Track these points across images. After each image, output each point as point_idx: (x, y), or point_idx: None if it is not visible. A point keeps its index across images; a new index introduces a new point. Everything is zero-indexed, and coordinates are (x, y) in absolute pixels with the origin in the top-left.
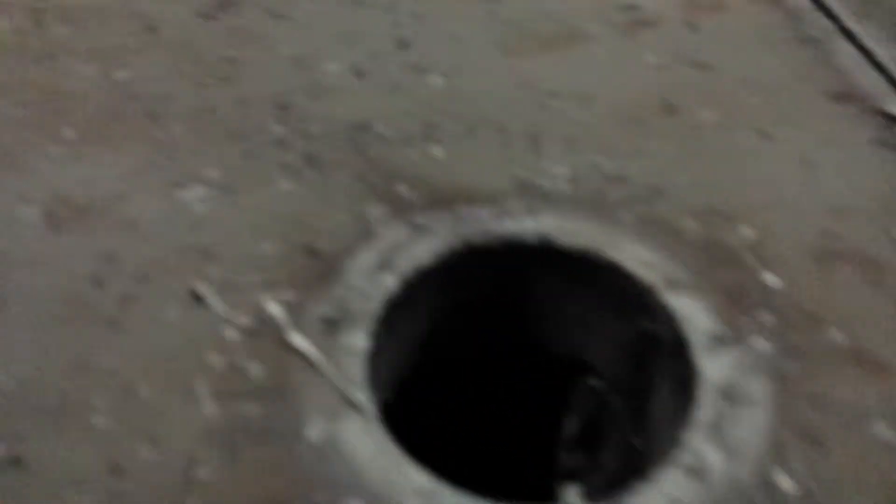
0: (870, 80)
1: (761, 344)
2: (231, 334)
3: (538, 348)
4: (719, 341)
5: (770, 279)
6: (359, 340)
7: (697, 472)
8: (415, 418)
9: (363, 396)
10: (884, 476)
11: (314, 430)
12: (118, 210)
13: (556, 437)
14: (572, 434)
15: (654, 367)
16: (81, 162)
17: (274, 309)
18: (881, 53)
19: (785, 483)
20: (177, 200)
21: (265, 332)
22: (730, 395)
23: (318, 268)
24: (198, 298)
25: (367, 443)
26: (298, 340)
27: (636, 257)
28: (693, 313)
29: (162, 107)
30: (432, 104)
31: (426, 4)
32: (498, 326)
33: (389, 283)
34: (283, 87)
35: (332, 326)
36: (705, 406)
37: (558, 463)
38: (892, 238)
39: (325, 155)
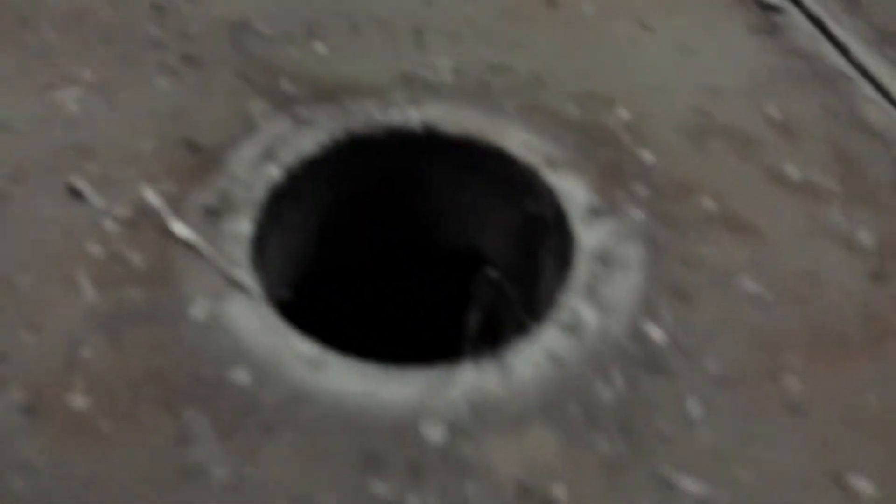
0: None
1: (635, 213)
2: (111, 226)
3: (431, 240)
4: (595, 213)
5: (645, 155)
6: (242, 227)
7: (573, 328)
8: (312, 319)
9: (248, 278)
10: (749, 323)
11: (198, 310)
12: (6, 116)
13: (461, 333)
14: (474, 328)
15: (541, 248)
16: None
17: (154, 199)
18: None
19: (655, 333)
20: (51, 101)
21: (145, 223)
22: (604, 259)
23: (198, 161)
24: (75, 194)
25: (252, 319)
26: (180, 228)
27: (519, 141)
28: (572, 189)
29: (33, 11)
30: (314, 2)
31: None
32: (388, 218)
33: (273, 173)
34: None
35: (213, 214)
36: (580, 270)
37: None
38: (763, 114)
39: (204, 54)
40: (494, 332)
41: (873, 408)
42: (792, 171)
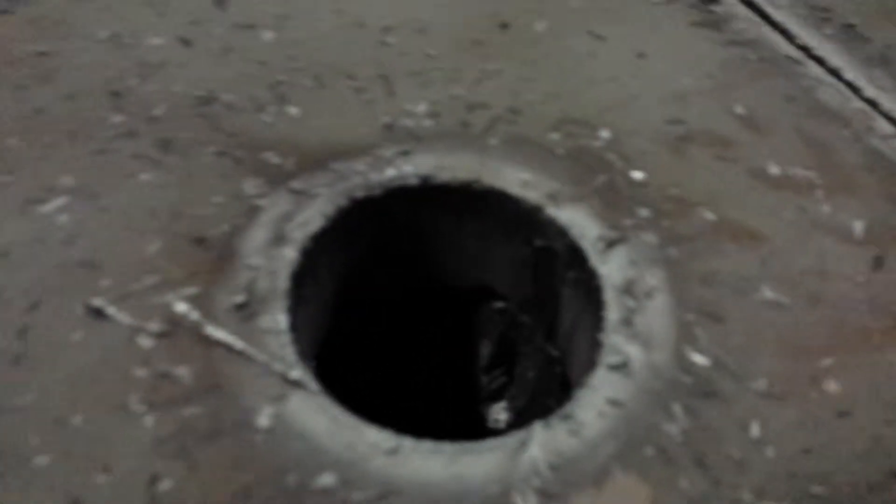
0: None
1: (645, 237)
2: (146, 343)
3: (442, 285)
4: (608, 243)
5: (636, 175)
6: (277, 319)
7: (623, 369)
8: (339, 374)
9: (299, 372)
10: (777, 332)
11: (263, 418)
12: None
13: (476, 365)
14: (488, 357)
15: (554, 279)
16: None
17: (181, 307)
18: None
19: (698, 359)
20: (39, 218)
21: (180, 333)
22: (630, 290)
23: (210, 255)
24: (98, 314)
25: (317, 416)
26: (217, 333)
27: (515, 179)
28: (580, 222)
29: None
30: (271, 61)
31: None
32: (398, 272)
33: (289, 255)
34: (111, 72)
35: (246, 311)
36: (612, 305)
37: (480, 387)
38: (730, 112)
39: (179, 136)
40: (510, 360)
41: None
42: (772, 167)
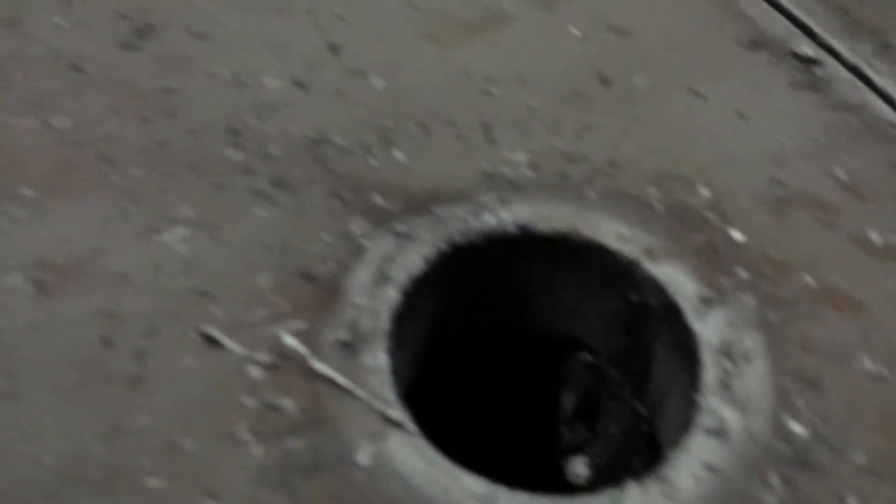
0: (777, 25)
1: (743, 299)
2: (256, 373)
3: (532, 333)
4: (707, 303)
5: (735, 235)
6: (379, 359)
7: (720, 433)
8: (427, 417)
9: (398, 412)
10: (877, 405)
11: (363, 455)
12: (103, 265)
13: (559, 417)
14: (571, 408)
15: (648, 334)
16: (48, 220)
17: (290, 341)
18: None
19: (797, 428)
20: (158, 245)
21: (287, 365)
22: (728, 353)
23: (317, 291)
24: (211, 342)
25: (416, 458)
26: (323, 368)
27: (612, 233)
28: (677, 279)
29: (112, 149)
30: (380, 107)
31: (344, 5)
32: (491, 317)
33: (391, 296)
34: (229, 110)
35: (350, 349)
36: (710, 367)
37: (562, 439)
38: (832, 176)
39: (292, 175)
40: (594, 414)
41: None
42: (874, 235)
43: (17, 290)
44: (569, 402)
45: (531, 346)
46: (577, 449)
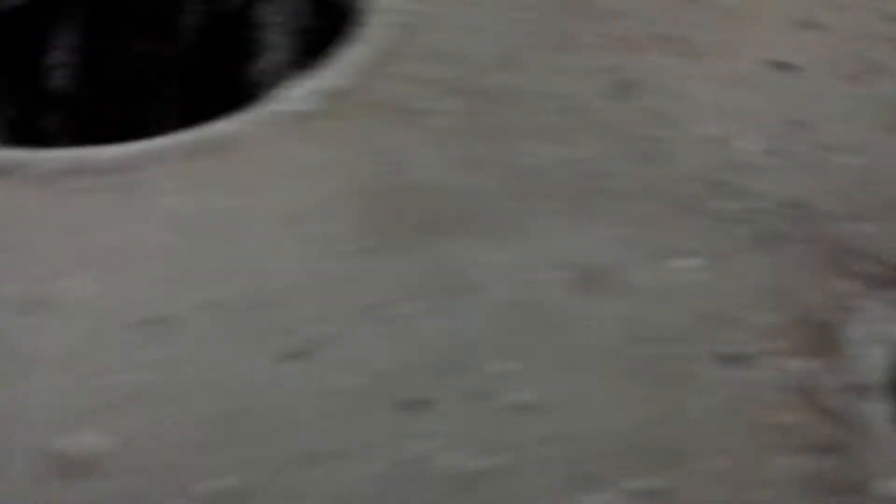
0: None
1: None
2: (771, 395)
3: None
4: None
5: None
6: (880, 407)
7: None
8: None
9: None
10: None
11: (881, 486)
12: (624, 277)
13: None
14: None
15: None
16: (576, 234)
17: (805, 373)
18: None
19: None
20: (670, 270)
21: (808, 395)
22: None
23: (821, 339)
24: (730, 361)
25: None
26: (839, 404)
27: None
28: None
29: (613, 184)
30: (850, 183)
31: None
32: None
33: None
34: (708, 164)
35: (855, 392)
36: None
37: None
38: None
39: (777, 230)
40: None
41: None
42: None
43: (556, 283)
44: None
45: None
46: None
